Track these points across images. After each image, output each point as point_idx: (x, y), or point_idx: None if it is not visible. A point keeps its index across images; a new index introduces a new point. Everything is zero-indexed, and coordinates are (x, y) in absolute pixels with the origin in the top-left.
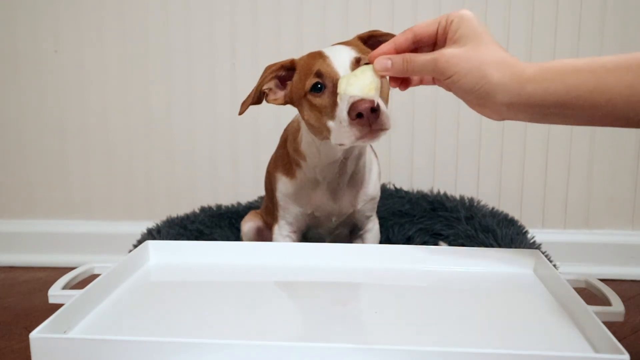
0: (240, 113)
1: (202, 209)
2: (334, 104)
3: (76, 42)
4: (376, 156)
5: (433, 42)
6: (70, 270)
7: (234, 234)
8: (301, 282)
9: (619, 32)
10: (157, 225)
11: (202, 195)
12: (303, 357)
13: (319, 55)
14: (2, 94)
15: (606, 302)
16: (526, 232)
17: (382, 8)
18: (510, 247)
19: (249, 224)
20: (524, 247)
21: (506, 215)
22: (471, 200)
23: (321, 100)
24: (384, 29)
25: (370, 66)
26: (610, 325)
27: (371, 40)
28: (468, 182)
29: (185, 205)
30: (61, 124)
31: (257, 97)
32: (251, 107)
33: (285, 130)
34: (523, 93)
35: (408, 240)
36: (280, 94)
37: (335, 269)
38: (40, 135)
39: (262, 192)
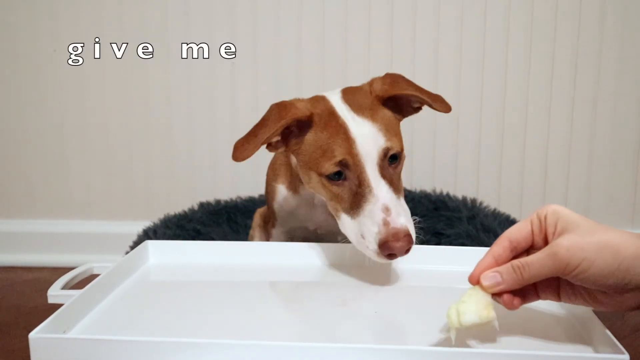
0: (238, 159)
1: (201, 205)
2: (354, 199)
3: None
4: None
5: (530, 245)
6: (69, 270)
7: (232, 229)
8: (301, 282)
9: (619, 32)
10: (154, 224)
11: (202, 196)
12: (303, 357)
13: (343, 133)
14: (1, 94)
15: None
16: None
17: (381, 8)
18: None
19: (258, 238)
20: None
21: (508, 217)
22: (473, 200)
23: (339, 190)
24: (383, 30)
25: (475, 287)
26: (609, 324)
27: (392, 102)
28: (468, 182)
29: (185, 206)
30: (61, 123)
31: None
32: (249, 106)
33: None
34: None
35: None
36: (282, 145)
37: (335, 269)
38: (39, 135)
39: (262, 189)
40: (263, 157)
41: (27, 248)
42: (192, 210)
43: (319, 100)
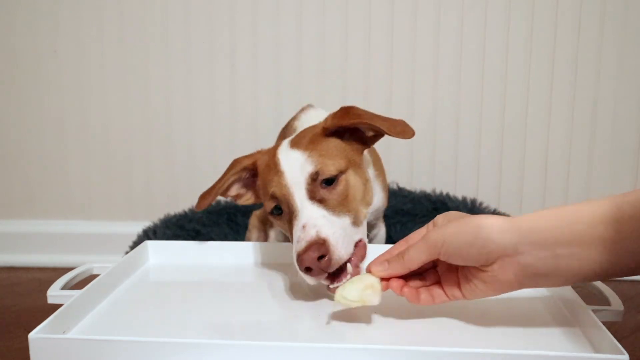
0: (199, 208)
1: None
2: (291, 228)
3: (76, 42)
4: (382, 168)
5: None
6: (69, 271)
7: (232, 229)
8: (301, 282)
9: (619, 33)
10: (154, 224)
11: None
12: (303, 357)
13: (275, 167)
14: (1, 94)
15: (605, 302)
16: None
17: (381, 8)
18: None
19: (255, 239)
20: None
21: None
22: (473, 201)
23: (282, 223)
24: (383, 30)
25: (366, 275)
26: (609, 325)
27: (349, 133)
28: (468, 183)
29: (185, 206)
30: (60, 124)
31: (222, 193)
32: (249, 106)
33: (284, 131)
34: (522, 228)
35: None
36: (250, 194)
37: None
38: (39, 135)
39: None
40: None
41: (27, 248)
42: (192, 211)
43: (274, 147)
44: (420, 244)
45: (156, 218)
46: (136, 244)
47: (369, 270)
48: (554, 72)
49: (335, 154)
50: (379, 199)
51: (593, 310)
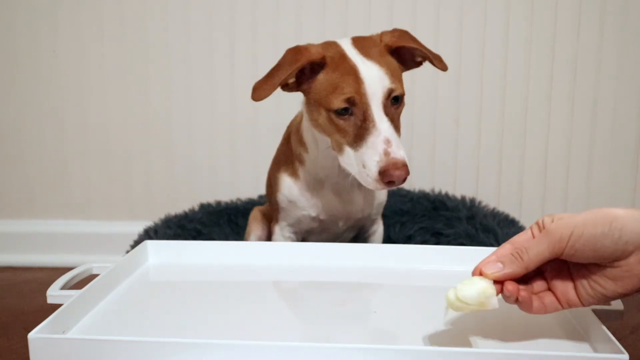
0: (258, 98)
1: (202, 206)
2: (358, 132)
3: (76, 43)
4: None
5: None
6: (69, 271)
7: (233, 230)
8: (301, 282)
9: (618, 32)
10: (155, 224)
11: (201, 195)
12: (303, 357)
13: (353, 74)
14: (1, 94)
15: None
16: None
17: (381, 9)
18: None
19: (255, 234)
20: None
21: (507, 216)
22: (472, 200)
23: (345, 124)
24: (383, 29)
25: (476, 277)
26: (609, 324)
27: (398, 52)
28: (467, 182)
29: (185, 206)
30: (60, 124)
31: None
32: (249, 106)
33: (289, 126)
34: None
35: (408, 239)
36: (293, 83)
37: (335, 269)
38: (39, 135)
39: (262, 190)
40: (263, 158)
41: (27, 248)
42: (192, 211)
43: (331, 44)
44: (542, 240)
45: (156, 218)
46: (137, 243)
47: (479, 273)
48: (554, 72)
49: (399, 75)
50: (383, 193)
51: (593, 310)
